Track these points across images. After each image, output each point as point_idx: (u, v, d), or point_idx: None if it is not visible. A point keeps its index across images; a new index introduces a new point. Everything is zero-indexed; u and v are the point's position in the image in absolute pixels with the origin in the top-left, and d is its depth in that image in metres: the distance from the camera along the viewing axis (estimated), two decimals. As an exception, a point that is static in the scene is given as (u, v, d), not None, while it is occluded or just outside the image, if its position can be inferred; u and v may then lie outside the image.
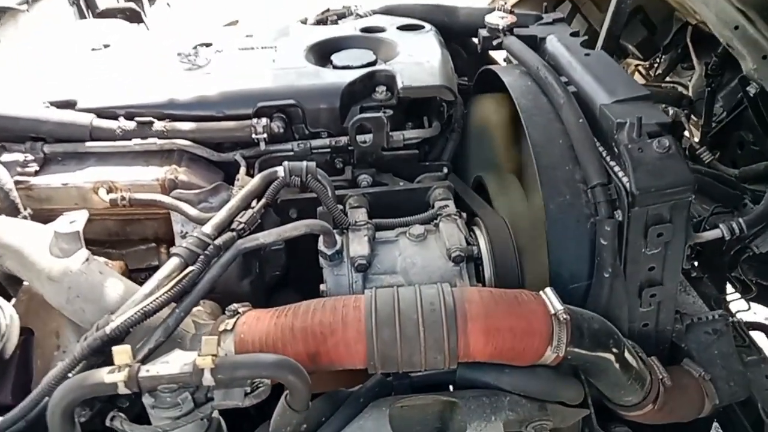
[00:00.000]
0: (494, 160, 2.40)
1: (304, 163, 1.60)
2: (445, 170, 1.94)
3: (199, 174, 1.79)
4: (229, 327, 1.32)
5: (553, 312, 1.34)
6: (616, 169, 1.72)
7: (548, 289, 1.41)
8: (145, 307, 1.26)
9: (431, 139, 1.94)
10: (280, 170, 1.62)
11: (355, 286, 1.58)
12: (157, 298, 1.28)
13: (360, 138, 1.85)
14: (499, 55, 2.79)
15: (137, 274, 1.86)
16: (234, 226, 1.48)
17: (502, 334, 1.27)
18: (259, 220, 1.53)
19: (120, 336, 1.24)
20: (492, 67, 2.27)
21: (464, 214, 1.72)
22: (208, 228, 1.44)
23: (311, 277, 1.57)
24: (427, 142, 1.95)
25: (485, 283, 1.63)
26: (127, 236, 1.81)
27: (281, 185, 1.60)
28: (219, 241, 1.42)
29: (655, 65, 3.85)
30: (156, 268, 1.82)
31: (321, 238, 1.53)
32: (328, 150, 1.90)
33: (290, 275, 1.96)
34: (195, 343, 1.36)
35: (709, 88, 3.20)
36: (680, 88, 3.56)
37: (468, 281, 1.57)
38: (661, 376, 1.71)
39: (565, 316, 1.31)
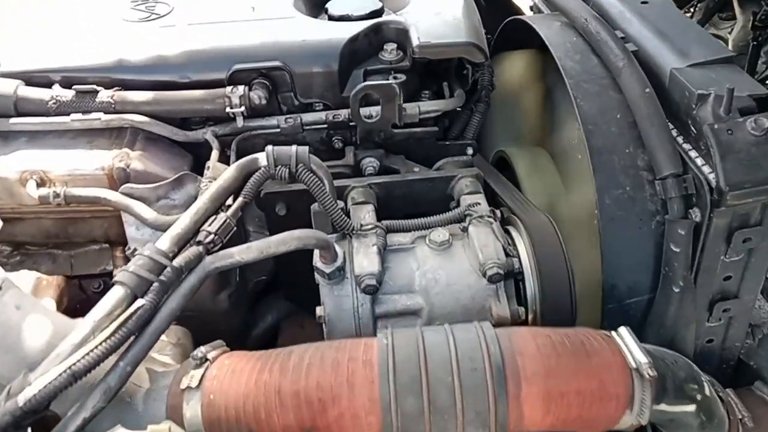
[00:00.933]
0: (520, 132, 2.02)
1: (293, 148, 1.22)
2: (470, 151, 1.55)
3: (159, 160, 1.40)
4: (194, 383, 0.98)
5: (634, 365, 1.00)
6: (693, 154, 1.35)
7: (624, 330, 1.06)
8: (74, 365, 0.90)
9: (453, 111, 1.55)
10: (261, 157, 1.24)
11: (361, 310, 1.23)
12: (92, 350, 0.92)
13: (364, 111, 1.46)
14: (523, 3, 2.37)
15: (89, 282, 1.50)
16: (201, 237, 1.11)
17: (566, 400, 0.94)
18: (235, 227, 1.16)
19: (39, 407, 0.89)
20: (522, 17, 1.86)
21: (499, 213, 1.35)
22: (164, 242, 1.07)
23: (306, 282, 1.22)
24: (447, 115, 1.55)
25: (527, 305, 1.28)
26: (69, 238, 1.43)
27: (263, 178, 1.22)
28: (180, 260, 1.05)
29: (688, 14, 3.43)
30: (111, 275, 1.46)
31: (317, 253, 1.17)
32: (324, 126, 1.51)
33: (280, 279, 1.60)
34: (150, 404, 1.01)
35: (755, 42, 2.80)
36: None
37: (507, 305, 1.22)
38: (740, 416, 1.39)
39: (651, 373, 0.97)
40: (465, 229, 1.30)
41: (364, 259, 1.22)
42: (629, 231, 1.42)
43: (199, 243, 1.11)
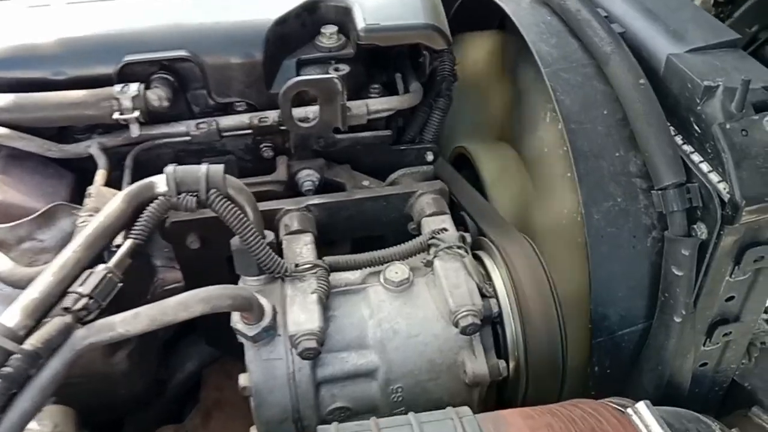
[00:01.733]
0: (482, 126, 1.76)
1: (203, 168, 0.92)
2: (431, 157, 1.28)
3: (24, 186, 1.06)
4: None
5: (659, 459, 0.76)
6: (696, 158, 1.12)
7: (643, 407, 0.82)
8: None
9: (408, 109, 1.27)
10: (160, 181, 0.93)
11: (299, 375, 0.95)
12: None
13: (299, 113, 1.16)
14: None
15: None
16: (69, 302, 0.80)
17: None
18: (120, 283, 0.85)
19: None
20: (483, -7, 1.59)
21: (468, 237, 1.08)
22: (12, 315, 0.76)
23: (229, 322, 0.93)
24: (401, 114, 1.27)
25: (507, 353, 1.03)
26: None
27: (161, 210, 0.92)
28: (36, 340, 0.74)
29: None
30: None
31: (235, 314, 0.88)
32: (249, 132, 1.20)
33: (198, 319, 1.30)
34: None
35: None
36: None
37: (484, 360, 0.97)
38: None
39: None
40: (429, 263, 1.03)
41: (301, 313, 0.94)
42: (621, 250, 1.19)
43: (66, 310, 0.80)
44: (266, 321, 0.89)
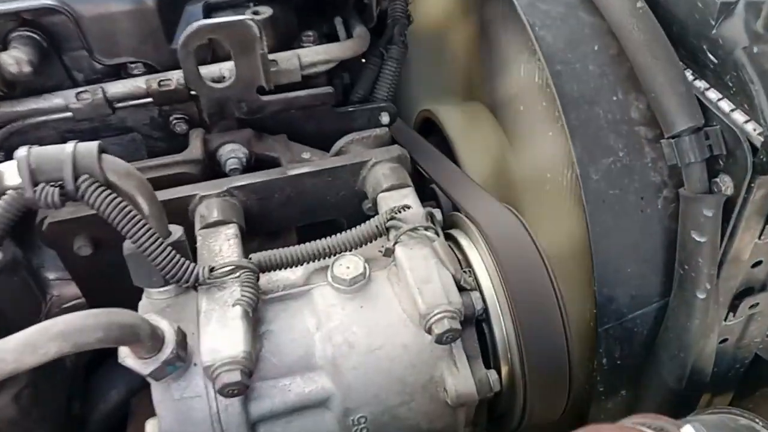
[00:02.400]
0: (448, 84, 1.52)
1: (67, 147, 0.66)
2: (386, 118, 1.03)
3: None
4: None
5: None
6: (713, 96, 0.90)
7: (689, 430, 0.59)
8: None
9: (354, 61, 1.01)
10: (8, 171, 0.67)
11: (225, 416, 0.71)
12: None
13: (211, 71, 0.90)
14: None
15: None
16: None
17: None
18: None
19: None
20: None
21: (438, 215, 0.85)
22: None
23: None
24: (346, 68, 1.02)
25: (498, 356, 0.80)
26: None
27: (12, 209, 0.66)
28: None
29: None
30: None
31: (122, 349, 0.63)
32: (149, 101, 0.93)
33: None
34: None
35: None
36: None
37: (469, 373, 0.74)
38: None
39: None
40: (390, 252, 0.79)
41: (219, 334, 0.69)
42: (628, 217, 0.97)
43: None
44: (167, 352, 0.65)
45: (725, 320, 1.09)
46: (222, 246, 0.80)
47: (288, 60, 0.93)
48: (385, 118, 1.05)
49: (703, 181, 0.90)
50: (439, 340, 0.71)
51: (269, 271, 0.78)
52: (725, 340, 1.16)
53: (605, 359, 1.03)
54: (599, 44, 0.99)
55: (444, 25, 1.42)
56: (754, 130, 0.84)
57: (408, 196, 0.86)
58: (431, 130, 1.45)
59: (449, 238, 0.89)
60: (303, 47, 0.98)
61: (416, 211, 0.82)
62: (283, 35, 0.98)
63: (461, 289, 0.77)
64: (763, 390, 1.32)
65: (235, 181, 0.87)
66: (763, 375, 1.32)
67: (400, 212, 0.80)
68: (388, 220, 0.79)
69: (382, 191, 0.87)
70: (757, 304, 1.07)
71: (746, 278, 1.04)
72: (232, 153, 0.96)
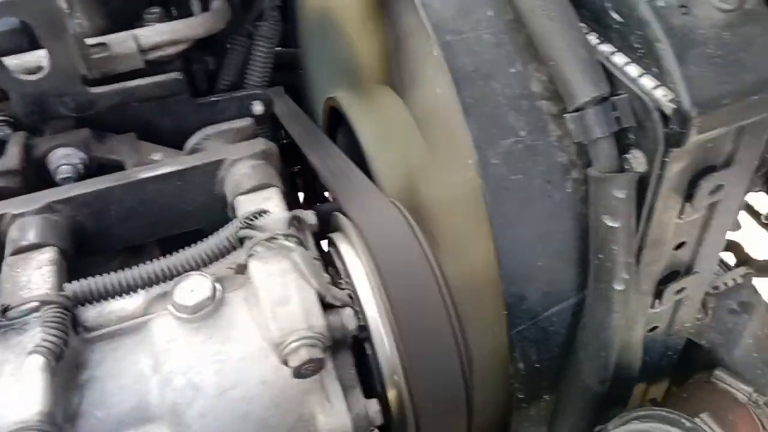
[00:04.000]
0: (356, 67, 1.37)
1: None
2: (259, 108, 0.88)
3: None
4: None
5: None
6: (619, 60, 0.79)
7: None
8: None
9: (216, 43, 0.86)
10: None
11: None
12: None
13: (24, 61, 0.73)
14: None
15: None
16: None
17: None
18: None
19: None
20: None
21: (309, 218, 0.71)
22: None
23: None
24: (206, 50, 0.87)
25: (383, 379, 0.67)
26: None
27: None
28: None
29: None
30: None
31: None
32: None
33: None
34: None
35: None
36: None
37: (345, 409, 0.60)
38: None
39: None
40: (242, 268, 0.65)
41: (10, 394, 0.53)
42: (534, 204, 0.85)
43: None
44: None
45: (652, 308, 1.00)
46: (32, 276, 0.64)
47: (122, 42, 0.77)
48: (257, 108, 0.90)
49: (613, 159, 0.79)
50: (298, 373, 0.57)
51: (91, 302, 0.63)
52: (654, 328, 1.07)
53: (522, 364, 0.92)
54: (494, 9, 0.87)
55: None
56: (665, 96, 0.73)
57: (271, 198, 0.72)
58: (340, 122, 1.31)
59: (332, 243, 0.75)
60: (144, 24, 0.81)
61: (278, 216, 0.68)
62: (120, 13, 0.81)
63: (329, 306, 0.63)
64: (697, 376, 1.25)
65: (58, 193, 0.71)
66: (697, 360, 1.25)
67: (255, 218, 0.66)
68: (240, 229, 0.65)
69: (240, 194, 0.72)
70: (684, 288, 0.98)
71: (670, 262, 0.95)
72: (63, 159, 0.79)
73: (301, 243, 0.65)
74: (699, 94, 0.69)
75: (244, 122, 0.83)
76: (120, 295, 0.64)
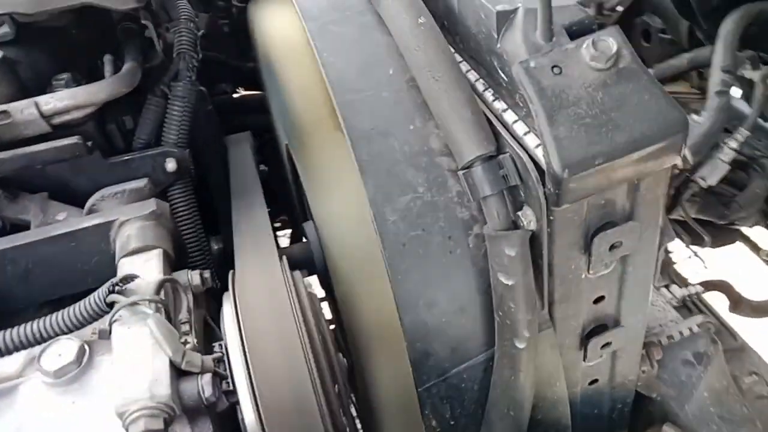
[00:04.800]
0: (295, 118, 1.40)
1: None
2: (171, 165, 0.92)
3: None
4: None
5: None
6: (509, 117, 0.80)
7: None
8: None
9: (133, 100, 0.91)
10: None
11: None
12: None
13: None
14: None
15: None
16: None
17: None
18: None
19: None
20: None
21: (193, 278, 0.73)
22: None
23: None
24: (123, 107, 0.91)
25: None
26: None
27: None
28: None
29: None
30: None
31: None
32: None
33: None
34: None
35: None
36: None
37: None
38: None
39: None
40: (106, 333, 0.67)
41: None
42: (434, 260, 0.86)
43: None
44: None
45: (585, 361, 0.99)
46: None
47: (24, 110, 0.81)
48: (170, 165, 0.94)
49: (504, 216, 0.79)
50: (137, 445, 0.59)
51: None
52: (595, 381, 1.05)
53: (434, 421, 0.91)
54: (394, 67, 0.89)
55: (278, 42, 1.31)
56: (543, 155, 0.73)
57: (150, 261, 0.74)
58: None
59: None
60: (53, 92, 0.86)
61: (146, 280, 0.70)
62: (30, 80, 0.86)
63: (184, 373, 0.64)
64: (653, 428, 1.21)
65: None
66: (650, 412, 1.21)
67: (123, 283, 0.68)
68: (107, 294, 0.68)
69: (123, 256, 0.75)
70: (610, 343, 0.96)
71: (592, 316, 0.94)
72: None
73: (164, 309, 0.67)
74: (568, 155, 0.69)
75: (139, 183, 0.86)
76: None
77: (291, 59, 1.18)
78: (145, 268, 0.73)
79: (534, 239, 0.80)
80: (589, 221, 0.79)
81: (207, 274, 0.82)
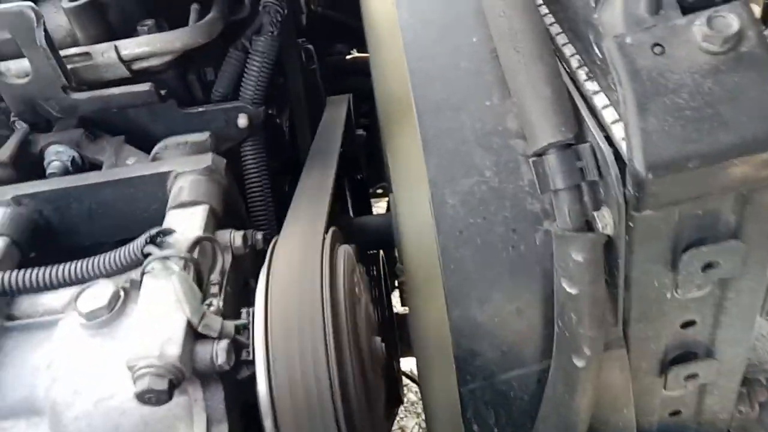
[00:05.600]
0: (383, 82, 1.34)
1: None
2: (243, 121, 0.92)
3: None
4: None
5: None
6: (599, 101, 0.69)
7: None
8: None
9: (215, 51, 0.91)
10: None
11: None
12: None
13: (20, 66, 0.83)
14: None
15: None
16: None
17: None
18: None
19: None
20: None
21: (238, 239, 0.73)
22: None
23: None
24: (205, 57, 0.92)
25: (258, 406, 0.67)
26: None
27: None
28: None
29: None
30: None
31: None
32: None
33: None
34: None
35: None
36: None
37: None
38: None
39: None
40: (137, 284, 0.68)
41: None
42: (493, 253, 0.78)
43: None
44: None
45: (666, 389, 0.87)
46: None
47: (104, 53, 0.84)
48: (242, 121, 0.93)
49: (576, 215, 0.70)
50: (141, 399, 0.59)
51: (11, 294, 0.70)
52: (677, 412, 0.93)
53: (476, 426, 0.85)
54: (479, 35, 0.81)
55: (378, 14, 1.25)
56: (626, 149, 0.62)
57: (195, 215, 0.74)
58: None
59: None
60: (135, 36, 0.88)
61: (185, 236, 0.70)
62: (117, 24, 0.89)
63: (201, 336, 0.64)
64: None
65: (22, 188, 0.80)
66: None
67: (159, 236, 0.68)
68: (143, 246, 0.68)
69: (172, 207, 0.75)
70: (696, 375, 0.83)
71: (678, 341, 0.81)
72: (54, 155, 0.89)
73: (195, 267, 0.67)
74: (656, 152, 0.58)
75: (202, 136, 0.86)
76: (35, 291, 0.70)
77: (381, 20, 1.12)
78: (189, 223, 0.73)
79: (611, 245, 0.70)
80: (680, 233, 0.67)
81: (259, 235, 0.81)
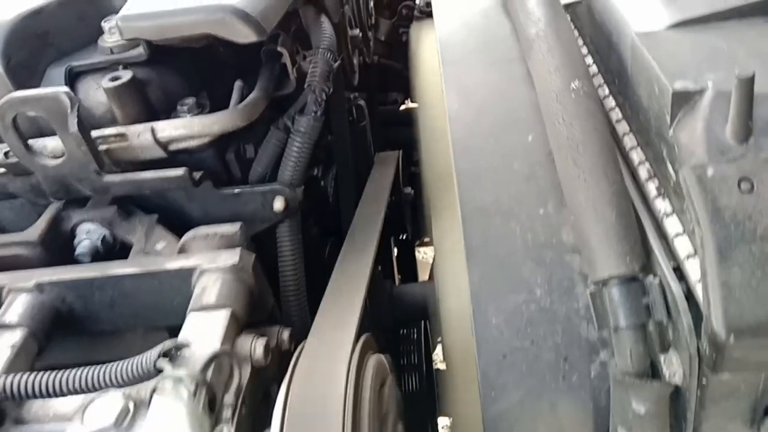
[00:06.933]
0: (429, 159, 1.28)
1: None
2: (279, 204, 0.88)
3: None
4: None
5: None
6: (671, 227, 0.60)
7: None
8: None
9: (255, 129, 0.88)
10: None
11: None
12: None
13: (41, 144, 0.82)
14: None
15: None
16: None
17: None
18: None
19: None
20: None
21: (260, 348, 0.68)
22: None
23: None
24: (243, 136, 0.89)
25: None
26: None
27: None
28: None
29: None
30: None
31: None
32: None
33: None
34: None
35: None
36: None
37: None
38: None
39: None
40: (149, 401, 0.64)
41: None
42: (540, 383, 0.69)
43: None
44: None
45: None
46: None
47: (140, 135, 0.82)
48: (278, 204, 0.89)
49: (639, 358, 0.61)
50: None
51: (15, 399, 0.67)
52: None
53: None
54: (536, 133, 0.74)
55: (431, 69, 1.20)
56: (705, 306, 0.53)
57: (216, 322, 0.69)
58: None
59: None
60: (179, 116, 0.86)
61: (202, 350, 0.65)
62: (158, 101, 0.87)
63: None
64: None
65: (46, 274, 0.78)
66: None
67: (173, 352, 0.64)
68: (156, 359, 0.64)
69: (193, 310, 0.71)
70: None
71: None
72: (85, 234, 0.87)
73: (207, 387, 0.62)
74: (739, 312, 0.49)
75: (232, 228, 0.82)
76: (40, 397, 0.67)
77: (427, 96, 1.07)
78: (208, 331, 0.68)
79: (678, 393, 0.60)
80: (762, 395, 0.57)
81: (285, 334, 0.76)
